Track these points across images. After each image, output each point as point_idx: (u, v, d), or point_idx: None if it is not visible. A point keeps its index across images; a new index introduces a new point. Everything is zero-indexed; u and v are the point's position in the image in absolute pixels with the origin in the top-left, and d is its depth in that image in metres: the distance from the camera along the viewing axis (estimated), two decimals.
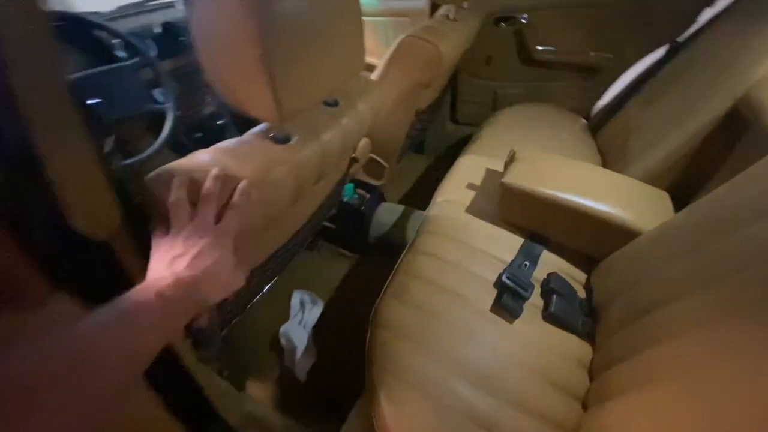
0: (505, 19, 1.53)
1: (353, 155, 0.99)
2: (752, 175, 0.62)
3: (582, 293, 0.87)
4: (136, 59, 0.99)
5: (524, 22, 1.51)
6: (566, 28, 1.50)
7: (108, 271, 0.47)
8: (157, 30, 1.18)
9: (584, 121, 1.52)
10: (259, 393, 0.97)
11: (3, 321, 0.35)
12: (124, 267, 0.48)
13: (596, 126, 1.45)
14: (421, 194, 1.46)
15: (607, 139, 1.34)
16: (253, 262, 0.76)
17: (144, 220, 0.52)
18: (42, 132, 0.36)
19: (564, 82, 1.62)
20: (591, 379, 0.74)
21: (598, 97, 1.55)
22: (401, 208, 1.38)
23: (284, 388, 1.00)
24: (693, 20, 1.23)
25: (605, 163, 1.26)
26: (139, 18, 1.20)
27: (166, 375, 0.60)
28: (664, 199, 0.90)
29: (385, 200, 1.42)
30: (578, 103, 1.58)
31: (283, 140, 0.60)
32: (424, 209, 1.19)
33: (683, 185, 0.93)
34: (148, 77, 1.02)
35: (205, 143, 0.58)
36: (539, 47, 1.57)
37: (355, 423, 0.83)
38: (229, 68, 0.49)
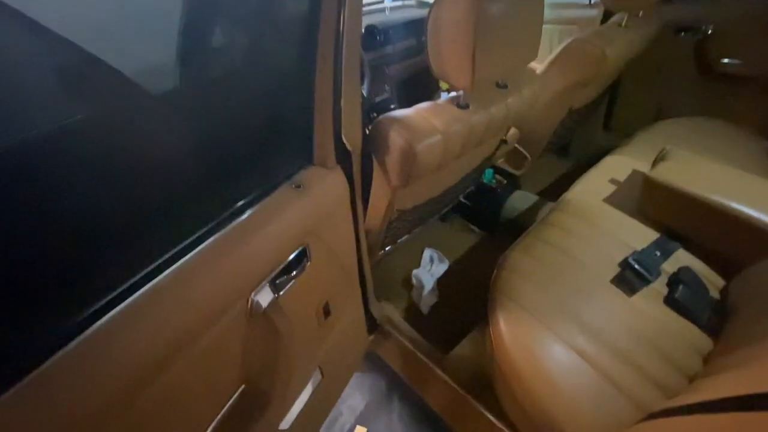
0: (686, 29, 1.48)
1: (503, 138, 1.17)
2: None
3: (716, 295, 0.88)
4: None
5: (708, 32, 1.44)
6: (758, 41, 1.37)
7: (349, 168, 0.77)
8: (361, 30, 1.55)
9: (766, 141, 1.37)
10: (392, 310, 1.24)
11: (318, 169, 0.66)
12: (355, 170, 0.78)
13: None
14: (556, 191, 1.55)
15: None
16: (415, 200, 1.02)
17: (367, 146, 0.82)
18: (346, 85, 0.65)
19: (747, 98, 1.47)
20: (705, 364, 0.77)
21: None
22: (534, 197, 1.50)
23: (411, 316, 1.25)
24: None
25: None
26: None
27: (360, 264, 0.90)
28: None
29: (520, 189, 1.55)
30: (763, 122, 1.42)
31: (464, 106, 0.83)
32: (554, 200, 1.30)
33: None
34: None
35: None
36: (725, 60, 1.47)
37: (467, 347, 1.02)
38: (447, 50, 0.73)
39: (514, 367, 0.78)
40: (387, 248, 1.21)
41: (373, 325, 1.07)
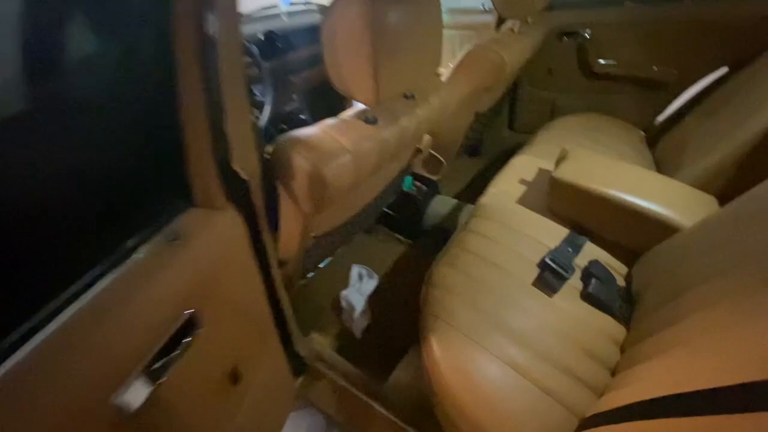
0: (568, 33, 1.62)
1: (418, 146, 1.15)
2: None
3: (622, 282, 0.94)
4: (247, 59, 1.22)
5: (587, 36, 1.59)
6: (629, 43, 1.55)
7: (247, 200, 0.66)
8: (260, 36, 1.42)
9: (642, 133, 1.55)
10: (321, 342, 1.14)
11: (203, 211, 0.54)
12: (255, 200, 0.67)
13: (654, 138, 1.48)
14: (473, 192, 1.58)
15: (664, 150, 1.37)
16: (332, 223, 0.94)
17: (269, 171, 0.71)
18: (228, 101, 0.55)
19: (624, 95, 1.66)
20: (621, 353, 0.81)
21: (658, 110, 1.58)
22: (454, 201, 1.52)
23: (342, 342, 1.16)
24: (755, 42, 1.24)
25: (659, 172, 1.30)
26: (245, 26, 1.44)
27: (274, 306, 0.78)
28: (710, 203, 0.95)
29: (440, 194, 1.56)
30: (637, 115, 1.62)
31: (372, 121, 0.76)
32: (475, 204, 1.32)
33: (731, 193, 0.97)
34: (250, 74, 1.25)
35: None
36: (601, 60, 1.63)
37: (404, 370, 0.97)
38: (345, 63, 0.66)
39: (450, 392, 0.74)
40: (309, 275, 1.10)
41: (300, 366, 0.96)
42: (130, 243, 0.45)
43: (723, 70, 1.32)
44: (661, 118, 1.58)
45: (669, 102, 1.55)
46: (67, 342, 0.38)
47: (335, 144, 0.71)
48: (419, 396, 0.91)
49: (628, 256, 0.98)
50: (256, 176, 0.66)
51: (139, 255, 0.45)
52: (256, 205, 0.69)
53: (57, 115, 0.41)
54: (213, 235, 0.53)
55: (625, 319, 0.87)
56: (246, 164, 0.63)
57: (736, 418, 0.39)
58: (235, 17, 0.53)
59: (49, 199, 0.42)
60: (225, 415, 0.62)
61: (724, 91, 1.24)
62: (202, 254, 0.51)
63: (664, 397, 0.52)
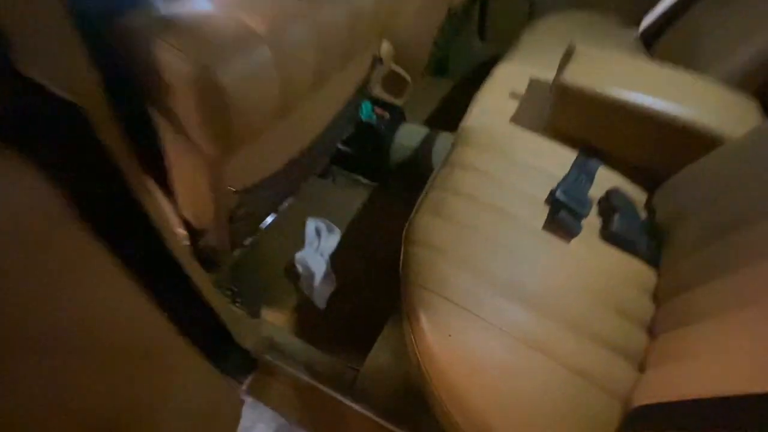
0: None
1: (377, 55, 0.84)
2: None
3: (643, 214, 0.76)
4: None
5: None
6: None
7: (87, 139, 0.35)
8: None
9: (636, 30, 1.31)
10: (276, 321, 0.90)
11: None
12: (106, 139, 0.36)
13: (652, 36, 1.25)
14: (445, 117, 1.31)
15: (667, 50, 1.15)
16: (260, 170, 0.65)
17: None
18: None
19: None
20: (657, 305, 0.64)
21: (652, 3, 1.33)
22: (425, 130, 1.23)
23: (303, 317, 0.93)
24: None
25: None
26: None
27: (180, 301, 0.51)
28: (750, 105, 0.75)
29: (406, 122, 1.27)
30: (629, 10, 1.36)
31: None
32: (452, 130, 1.05)
33: None
34: None
35: None
36: None
37: (383, 349, 0.76)
38: None
39: (445, 379, 0.55)
40: (247, 241, 0.82)
41: (246, 363, 0.73)
42: None
43: None
44: (655, 12, 1.33)
45: None
46: None
47: (239, 27, 0.40)
48: (403, 382, 0.72)
49: (648, 180, 0.79)
50: (95, 97, 0.35)
51: None
52: (112, 148, 0.38)
53: None
54: None
55: (652, 260, 0.69)
56: (67, 71, 0.32)
57: None
58: None
59: None
60: None
61: None
62: None
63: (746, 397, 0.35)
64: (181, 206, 0.57)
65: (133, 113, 0.43)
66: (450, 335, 0.56)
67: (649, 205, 0.77)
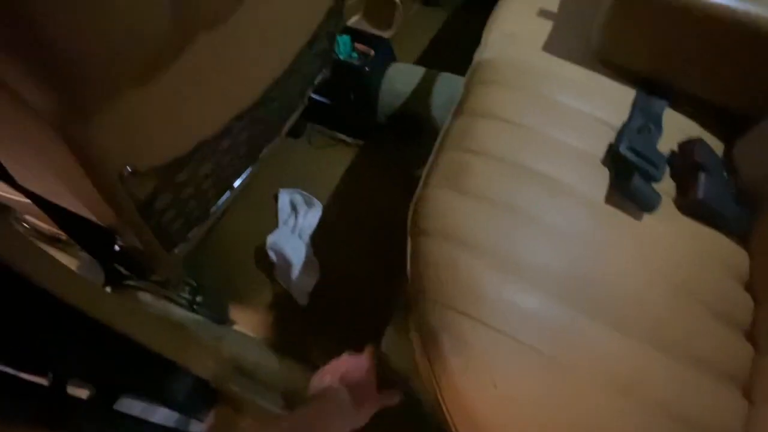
0: None
1: None
2: None
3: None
4: None
5: None
6: None
7: None
8: None
9: None
10: (245, 327, 0.72)
11: None
12: None
13: None
14: (443, 54, 1.06)
15: None
16: (190, 138, 0.42)
17: None
18: None
19: None
20: (756, 300, 0.47)
21: None
22: (421, 69, 0.97)
23: (279, 316, 0.75)
24: None
25: None
26: None
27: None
28: None
29: (396, 60, 1.00)
30: None
31: None
32: (453, 71, 0.81)
33: None
34: None
35: None
36: None
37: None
38: None
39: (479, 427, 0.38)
40: (192, 232, 0.60)
41: (207, 394, 0.54)
42: None
43: None
44: None
45: None
46: None
47: None
48: (407, 407, 0.55)
49: (727, 125, 0.59)
50: None
51: None
52: None
53: None
54: None
55: (742, 235, 0.51)
56: None
57: None
58: None
59: None
60: None
61: None
62: None
63: None
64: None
65: None
66: (488, 376, 0.38)
67: (729, 161, 0.58)
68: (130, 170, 0.34)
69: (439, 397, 0.42)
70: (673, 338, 0.42)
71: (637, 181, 0.47)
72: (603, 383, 0.38)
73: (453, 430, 0.41)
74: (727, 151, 0.59)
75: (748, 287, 0.49)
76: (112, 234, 0.47)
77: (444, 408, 0.41)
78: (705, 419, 0.37)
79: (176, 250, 0.56)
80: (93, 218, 0.42)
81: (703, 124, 0.60)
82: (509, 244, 0.44)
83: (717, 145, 0.59)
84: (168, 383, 0.50)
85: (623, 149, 0.50)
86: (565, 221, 0.46)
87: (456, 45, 0.78)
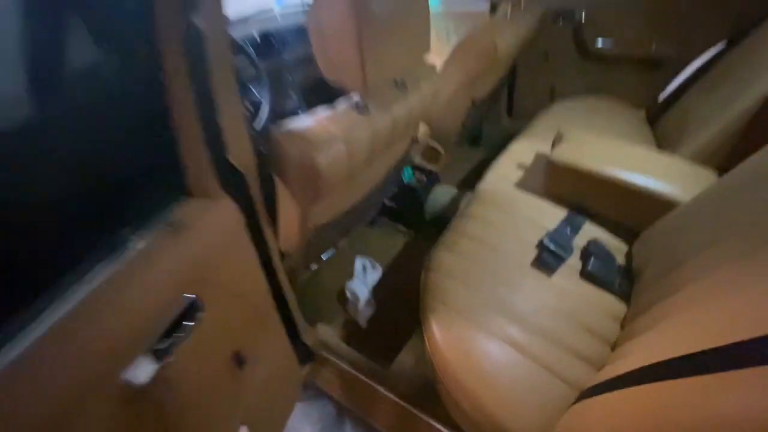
0: (563, 15, 1.61)
1: (414, 136, 1.16)
2: None
3: (623, 261, 0.94)
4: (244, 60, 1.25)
5: (582, 17, 1.57)
6: (626, 22, 1.53)
7: (244, 191, 0.68)
8: (256, 37, 1.44)
9: (643, 112, 1.54)
10: (328, 331, 1.16)
11: (198, 201, 0.56)
12: (252, 192, 0.69)
13: (655, 116, 1.47)
14: (475, 181, 1.59)
15: (665, 127, 1.36)
16: (331, 213, 0.96)
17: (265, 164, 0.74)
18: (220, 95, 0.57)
19: (623, 74, 1.65)
20: (622, 328, 0.81)
21: (659, 88, 1.56)
22: (455, 190, 1.52)
23: (348, 331, 1.18)
24: (750, 19, 1.22)
25: (661, 149, 1.29)
26: (241, 28, 1.47)
27: (277, 294, 0.81)
28: (709, 177, 0.94)
29: (440, 184, 1.56)
30: (637, 94, 1.60)
31: (364, 110, 0.78)
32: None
33: (731, 165, 0.97)
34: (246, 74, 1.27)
35: None
36: (599, 41, 1.62)
37: (408, 355, 0.98)
38: (332, 48, 0.68)
39: (451, 371, 0.75)
40: (313, 266, 1.13)
41: (306, 354, 0.99)
42: (129, 231, 0.47)
43: (721, 45, 1.30)
44: (662, 95, 1.56)
45: (669, 79, 1.53)
46: (76, 322, 0.40)
47: (326, 133, 0.72)
48: (423, 378, 0.92)
49: (629, 234, 0.98)
50: (251, 168, 0.68)
51: (139, 242, 0.47)
52: (254, 197, 0.71)
53: (56, 117, 0.44)
54: (208, 223, 0.55)
55: (626, 296, 0.87)
56: (241, 157, 0.65)
57: (746, 372, 0.37)
58: (220, 12, 0.55)
59: (59, 194, 0.45)
60: (232, 395, 0.64)
61: (723, 65, 1.22)
62: (199, 241, 0.53)
63: (658, 363, 0.52)
64: (280, 237, 0.88)
65: (265, 177, 0.76)
66: (456, 338, 0.78)
67: (629, 254, 0.96)
68: (312, 225, 0.87)
69: (432, 360, 0.80)
70: (559, 337, 0.77)
71: (545, 255, 0.89)
72: (516, 350, 0.76)
73: (441, 381, 0.75)
74: (629, 249, 0.97)
75: (622, 324, 0.83)
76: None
77: (435, 367, 0.78)
78: (563, 372, 0.72)
79: (305, 274, 1.07)
80: (284, 247, 0.95)
81: (613, 233, 0.99)
82: (475, 279, 0.86)
83: (623, 245, 0.98)
84: (293, 339, 0.96)
85: (545, 240, 0.93)
86: (508, 272, 0.88)
87: (483, 173, 1.26)
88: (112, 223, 0.47)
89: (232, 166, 0.64)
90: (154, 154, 0.54)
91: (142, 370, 0.44)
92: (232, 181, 0.64)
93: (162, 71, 0.48)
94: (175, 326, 0.50)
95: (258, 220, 0.73)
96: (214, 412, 0.61)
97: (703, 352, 0.46)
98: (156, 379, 0.46)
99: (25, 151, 0.41)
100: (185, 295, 0.50)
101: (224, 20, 0.56)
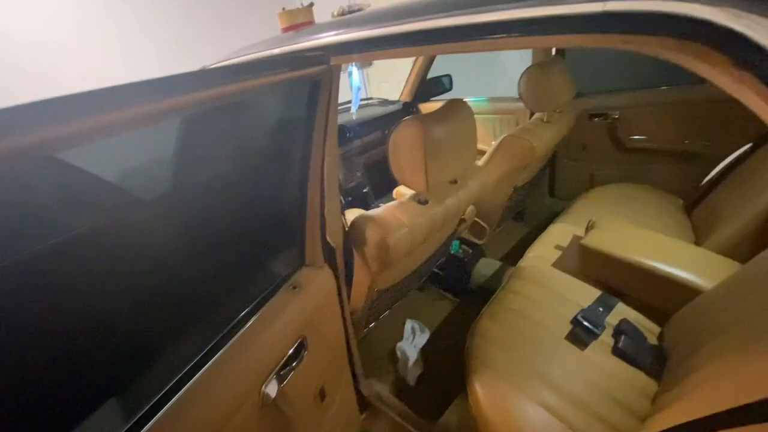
0: (597, 115, 1.83)
1: (462, 217, 1.37)
2: None
3: (654, 341, 1.03)
4: None
5: (616, 117, 1.78)
6: (658, 121, 1.71)
7: (334, 262, 0.91)
8: None
9: (681, 201, 1.64)
10: (380, 386, 1.30)
11: (310, 269, 0.80)
12: (338, 262, 0.93)
13: (692, 206, 1.57)
14: (517, 255, 1.73)
15: (700, 218, 1.46)
16: (391, 280, 1.16)
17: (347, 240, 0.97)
18: (328, 197, 0.83)
19: (660, 165, 1.78)
20: (653, 403, 0.89)
21: (695, 179, 1.68)
22: (498, 263, 1.68)
23: (398, 388, 1.32)
24: None
25: (697, 238, 1.38)
26: None
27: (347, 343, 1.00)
28: (732, 266, 1.04)
29: (485, 256, 1.73)
30: (675, 184, 1.72)
31: (424, 203, 1.02)
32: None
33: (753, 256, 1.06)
34: None
35: (354, 204, 1.02)
36: (633, 137, 1.80)
37: (453, 413, 1.10)
38: (405, 164, 0.93)
39: (492, 429, 0.87)
40: (371, 325, 1.31)
41: (363, 403, 1.14)
42: (270, 286, 0.71)
43: (747, 147, 1.43)
44: (696, 187, 1.67)
45: (704, 172, 1.65)
46: (235, 353, 0.63)
47: (396, 220, 0.96)
48: None
49: (661, 316, 1.08)
50: (340, 244, 0.93)
51: (276, 297, 0.71)
52: (339, 266, 0.94)
53: (242, 210, 0.72)
54: (317, 286, 0.78)
55: (656, 375, 0.95)
56: (335, 236, 0.90)
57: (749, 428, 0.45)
58: (335, 126, 0.82)
59: (219, 259, 0.70)
60: (316, 424, 0.81)
61: (747, 165, 1.34)
62: (311, 299, 0.76)
63: (677, 426, 0.63)
64: (351, 298, 1.10)
65: (347, 251, 0.99)
66: (497, 398, 0.90)
67: (661, 335, 1.05)
68: (375, 289, 1.08)
69: (474, 417, 0.92)
70: (590, 407, 0.87)
71: (577, 330, 1.01)
72: (551, 415, 0.86)
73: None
74: (661, 330, 1.06)
75: (652, 400, 0.90)
76: None
77: (475, 421, 0.92)
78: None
79: (365, 330, 1.25)
80: (352, 306, 1.15)
81: (645, 314, 1.09)
82: (515, 347, 1.00)
83: (655, 327, 1.07)
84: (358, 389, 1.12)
85: (579, 316, 1.05)
86: (542, 343, 1.01)
87: (526, 249, 1.43)
88: (265, 283, 0.71)
89: (328, 242, 0.88)
90: (287, 234, 0.80)
91: (272, 388, 0.64)
92: (328, 255, 0.88)
93: (308, 167, 0.75)
94: (290, 360, 0.70)
95: (339, 283, 0.96)
96: None
97: (709, 416, 0.57)
98: (278, 397, 0.66)
99: (230, 232, 0.67)
100: (298, 336, 0.72)
101: (336, 128, 0.83)
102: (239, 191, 0.78)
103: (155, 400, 0.53)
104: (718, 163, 1.61)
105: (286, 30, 0.89)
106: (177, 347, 0.63)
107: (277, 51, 0.78)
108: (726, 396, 0.60)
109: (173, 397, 0.54)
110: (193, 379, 0.57)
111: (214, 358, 0.60)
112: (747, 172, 1.32)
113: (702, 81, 1.62)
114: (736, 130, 1.52)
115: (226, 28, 3.22)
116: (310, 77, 0.65)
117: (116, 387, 0.57)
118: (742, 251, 1.10)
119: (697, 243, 1.32)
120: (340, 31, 0.68)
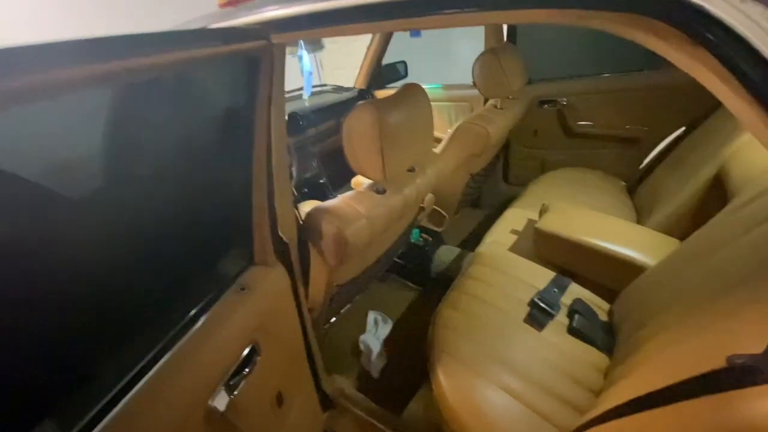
0: (547, 101, 1.88)
1: (421, 205, 1.36)
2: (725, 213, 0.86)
3: (605, 317, 1.08)
4: None
5: (564, 104, 1.84)
6: (602, 107, 1.80)
7: (287, 258, 0.86)
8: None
9: (623, 183, 1.74)
10: (344, 382, 1.27)
11: (260, 268, 0.74)
12: (293, 258, 0.87)
13: (633, 188, 1.67)
14: (475, 240, 1.76)
15: (641, 199, 1.55)
16: (351, 273, 1.12)
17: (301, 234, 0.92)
18: (278, 187, 0.77)
19: (605, 150, 1.88)
20: (605, 378, 0.94)
21: (635, 163, 1.78)
22: (457, 249, 1.69)
23: (362, 381, 1.29)
24: (702, 111, 1.46)
25: (639, 218, 1.47)
26: None
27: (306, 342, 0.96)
28: (673, 244, 1.11)
29: (444, 243, 1.74)
30: (618, 168, 1.82)
31: (382, 192, 0.98)
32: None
33: (690, 234, 1.14)
34: None
35: (311, 196, 0.97)
36: (580, 122, 1.87)
37: (417, 403, 1.09)
38: (360, 153, 0.89)
39: (456, 416, 0.87)
40: (332, 320, 1.27)
41: (327, 402, 1.10)
42: (216, 288, 0.65)
43: (680, 130, 1.53)
44: (638, 170, 1.78)
45: (644, 155, 1.76)
46: (178, 362, 0.56)
47: (353, 211, 0.91)
48: (432, 424, 1.03)
49: (610, 294, 1.13)
50: (293, 239, 0.87)
51: (222, 300, 0.64)
52: (294, 262, 0.88)
53: (183, 203, 0.64)
54: (268, 286, 0.73)
55: (608, 350, 1.00)
56: (287, 230, 0.84)
57: (695, 401, 0.46)
58: (282, 115, 0.76)
59: (155, 257, 0.63)
60: (273, 429, 0.77)
61: (684, 146, 1.44)
62: (262, 301, 0.70)
63: (629, 401, 0.65)
64: (309, 294, 1.04)
65: (301, 246, 0.93)
66: (460, 385, 0.90)
67: (610, 312, 1.10)
68: (334, 284, 1.04)
69: (438, 403, 0.92)
70: (548, 385, 0.89)
71: (534, 312, 1.03)
72: (509, 395, 0.88)
73: (446, 421, 0.88)
74: (610, 307, 1.11)
75: (605, 375, 0.95)
76: None
77: (440, 409, 0.91)
78: (551, 415, 0.83)
79: (326, 326, 1.21)
80: (310, 304, 1.10)
81: (595, 292, 1.14)
82: (475, 332, 1.00)
83: (605, 304, 1.12)
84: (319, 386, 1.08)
85: (535, 298, 1.08)
86: (502, 327, 1.02)
87: (484, 234, 1.45)
88: (209, 285, 0.64)
89: (280, 237, 0.82)
90: (233, 232, 0.73)
91: (221, 400, 0.59)
92: (280, 251, 0.82)
93: (251, 161, 0.69)
94: (241, 367, 0.65)
95: (294, 280, 0.90)
96: None
97: (658, 390, 0.59)
98: (228, 409, 0.60)
99: (168, 229, 0.60)
100: (249, 342, 0.66)
101: (284, 118, 0.77)
102: (176, 185, 0.69)
103: (80, 426, 0.46)
104: (655, 147, 1.72)
105: (224, 6, 0.80)
106: (108, 362, 0.55)
107: (213, 27, 0.70)
108: (668, 371, 0.62)
109: (103, 419, 0.47)
110: (127, 397, 0.50)
111: (150, 373, 0.53)
112: (682, 154, 1.42)
113: (641, 69, 1.74)
114: (671, 115, 1.63)
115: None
116: (246, 54, 0.58)
117: (37, 412, 0.48)
118: (680, 229, 1.17)
119: (639, 223, 1.40)
120: (283, 5, 0.62)
